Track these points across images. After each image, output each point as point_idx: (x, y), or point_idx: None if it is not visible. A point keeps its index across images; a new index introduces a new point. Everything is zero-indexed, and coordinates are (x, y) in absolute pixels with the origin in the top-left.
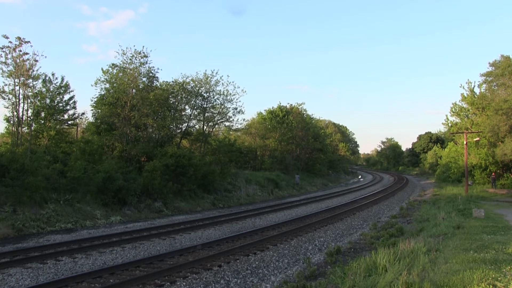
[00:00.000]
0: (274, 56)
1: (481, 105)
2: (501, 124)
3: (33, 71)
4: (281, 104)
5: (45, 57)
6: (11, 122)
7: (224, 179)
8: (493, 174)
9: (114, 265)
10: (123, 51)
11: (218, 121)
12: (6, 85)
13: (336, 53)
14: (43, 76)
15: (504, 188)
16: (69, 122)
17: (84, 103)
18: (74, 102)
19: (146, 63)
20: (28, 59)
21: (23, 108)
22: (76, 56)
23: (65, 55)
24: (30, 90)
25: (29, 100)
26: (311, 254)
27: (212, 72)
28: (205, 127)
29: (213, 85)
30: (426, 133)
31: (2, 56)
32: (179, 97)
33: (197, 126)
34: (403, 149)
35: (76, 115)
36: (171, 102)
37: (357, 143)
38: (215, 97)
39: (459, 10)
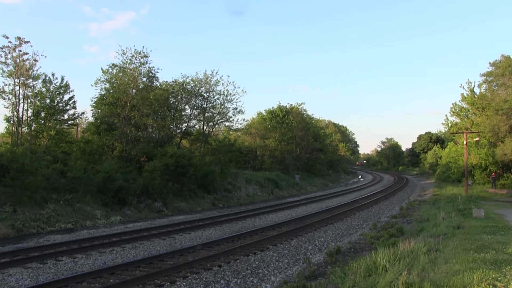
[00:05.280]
0: (274, 56)
1: (481, 105)
2: (501, 124)
3: (33, 71)
4: (281, 104)
5: (45, 57)
6: (11, 122)
7: (224, 179)
8: (493, 174)
9: (114, 265)
10: (123, 51)
11: (218, 121)
12: (6, 85)
13: (336, 53)
14: (43, 76)
15: (504, 188)
16: (69, 122)
17: (84, 103)
18: (74, 102)
19: (146, 63)
20: (28, 59)
21: (23, 108)
22: (77, 57)
23: (66, 56)
24: (30, 90)
25: (29, 100)
26: (311, 254)
27: (212, 72)
28: (205, 127)
29: (213, 85)
30: (426, 133)
31: (2, 56)
32: (179, 97)
33: (197, 126)
34: (403, 149)
35: (76, 115)
36: (171, 102)
37: (357, 143)
38: (215, 97)
39: (459, 10)
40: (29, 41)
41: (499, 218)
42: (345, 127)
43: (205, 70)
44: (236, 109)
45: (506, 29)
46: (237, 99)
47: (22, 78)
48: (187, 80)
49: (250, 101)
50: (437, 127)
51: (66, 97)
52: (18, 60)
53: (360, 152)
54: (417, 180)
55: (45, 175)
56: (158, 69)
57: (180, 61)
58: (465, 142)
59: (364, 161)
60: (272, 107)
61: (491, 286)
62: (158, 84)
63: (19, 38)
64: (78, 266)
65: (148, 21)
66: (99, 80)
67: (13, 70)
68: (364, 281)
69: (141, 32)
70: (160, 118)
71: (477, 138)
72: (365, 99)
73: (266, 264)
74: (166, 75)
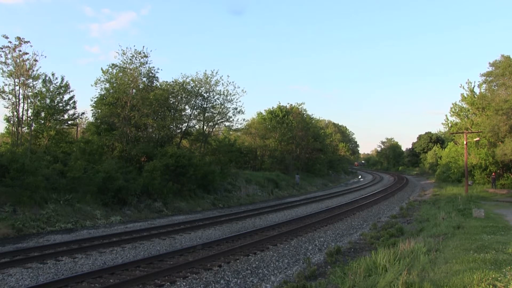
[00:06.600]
0: (274, 56)
1: (481, 105)
2: (501, 124)
3: (33, 71)
4: (281, 104)
5: (45, 57)
6: (11, 122)
7: (224, 179)
8: (493, 174)
9: (114, 265)
10: (123, 51)
11: (218, 121)
12: (6, 85)
13: (336, 53)
14: (43, 76)
15: (504, 188)
16: (69, 122)
17: (85, 103)
18: (74, 102)
19: (146, 63)
20: (28, 59)
21: (23, 108)
22: (78, 57)
23: (67, 56)
24: (30, 90)
25: (29, 100)
26: (311, 254)
27: (212, 72)
28: (205, 127)
29: (213, 85)
30: (426, 133)
31: (2, 56)
32: (179, 97)
33: (197, 126)
34: (403, 149)
35: (76, 115)
36: (171, 102)
37: (357, 143)
38: (215, 97)
39: (459, 10)
40: (29, 41)
41: (499, 218)
42: (345, 127)
43: (205, 70)
44: (236, 109)
45: (506, 29)
46: (237, 99)
47: (22, 78)
48: (187, 80)
49: (250, 101)
50: (437, 127)
51: (66, 97)
52: (18, 60)
53: (360, 152)
54: (417, 180)
55: (45, 175)
56: (158, 69)
57: (180, 61)
58: (465, 142)
59: (363, 161)
60: (272, 107)
61: (491, 286)
62: (158, 84)
63: (19, 38)
64: (78, 266)
65: (149, 21)
66: (99, 80)
67: (13, 70)
68: (364, 281)
69: (142, 32)
70: (160, 118)
71: (477, 138)
72: (365, 99)
73: (266, 264)
74: (166, 75)
